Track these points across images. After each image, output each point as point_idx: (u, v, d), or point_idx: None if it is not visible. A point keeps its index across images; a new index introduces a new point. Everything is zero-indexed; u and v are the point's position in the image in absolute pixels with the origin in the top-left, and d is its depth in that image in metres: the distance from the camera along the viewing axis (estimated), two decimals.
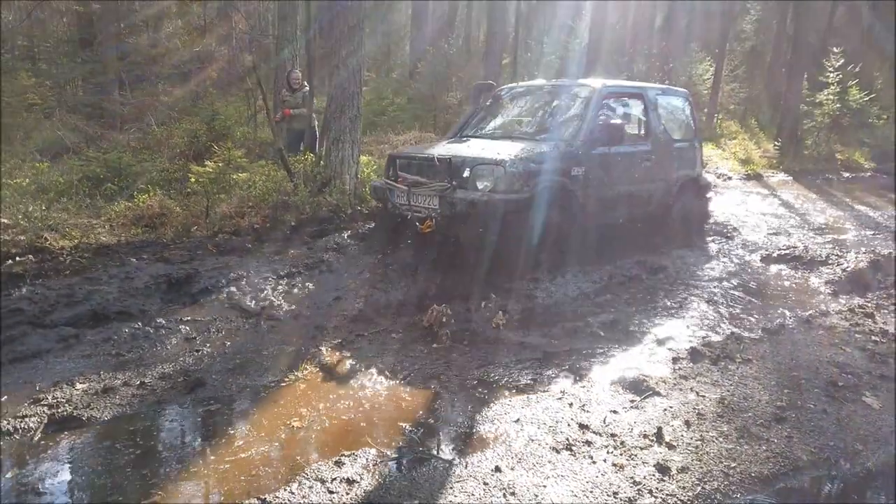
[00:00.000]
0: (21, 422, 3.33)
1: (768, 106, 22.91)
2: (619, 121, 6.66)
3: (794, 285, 6.61)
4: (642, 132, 7.29)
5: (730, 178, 14.25)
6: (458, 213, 5.72)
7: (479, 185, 5.74)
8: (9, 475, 2.93)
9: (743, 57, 25.84)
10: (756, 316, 5.57)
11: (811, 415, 3.85)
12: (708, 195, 8.41)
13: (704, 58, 22.47)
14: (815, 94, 18.05)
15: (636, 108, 7.27)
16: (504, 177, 5.68)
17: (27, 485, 2.88)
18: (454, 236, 6.07)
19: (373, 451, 3.27)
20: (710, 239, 8.17)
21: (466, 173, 5.83)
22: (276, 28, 14.71)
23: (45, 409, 3.48)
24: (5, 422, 3.28)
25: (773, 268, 7.16)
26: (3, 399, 3.52)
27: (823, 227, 9.66)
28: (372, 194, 7.03)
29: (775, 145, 17.61)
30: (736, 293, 6.17)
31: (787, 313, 5.62)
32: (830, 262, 7.23)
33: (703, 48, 23.65)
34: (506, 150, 5.96)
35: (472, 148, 6.35)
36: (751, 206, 11.06)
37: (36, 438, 3.24)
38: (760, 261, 7.38)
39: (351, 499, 2.88)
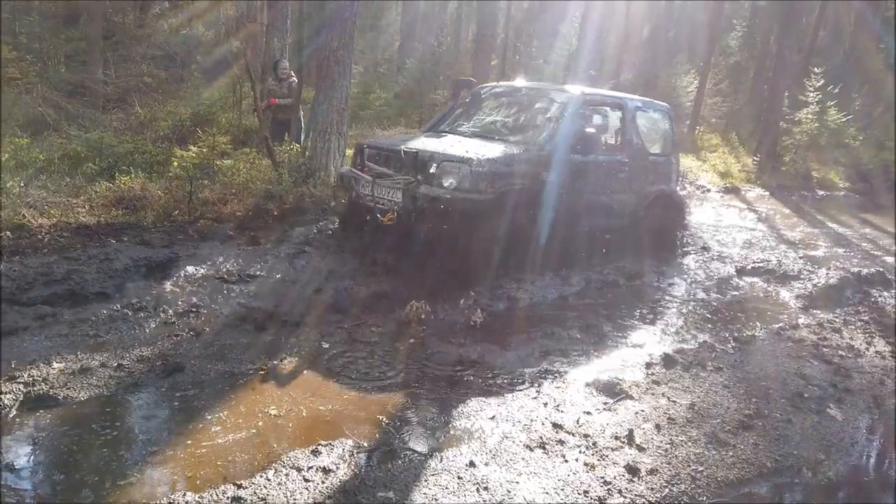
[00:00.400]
0: None
1: (749, 121, 23.26)
2: (594, 129, 6.56)
3: (766, 298, 6.77)
4: (619, 143, 7.22)
5: (708, 191, 14.47)
6: (419, 209, 5.60)
7: (445, 183, 5.59)
8: None
9: (727, 71, 26.20)
10: (728, 326, 5.70)
11: (777, 423, 3.96)
12: (682, 210, 8.35)
13: (689, 70, 22.75)
14: (795, 112, 18.39)
15: (614, 119, 7.18)
16: (469, 176, 5.53)
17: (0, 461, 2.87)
18: (416, 232, 5.88)
19: (349, 441, 3.31)
20: (685, 250, 8.29)
21: (433, 169, 5.70)
22: (266, 15, 14.63)
23: (21, 386, 3.45)
24: None
25: (747, 280, 7.31)
26: None
27: (796, 242, 9.87)
28: (337, 181, 6.92)
29: (754, 160, 17.90)
30: (707, 305, 6.31)
31: (758, 325, 5.76)
32: (802, 276, 7.41)
33: (688, 60, 23.95)
34: (475, 149, 5.84)
35: (442, 144, 6.21)
36: (727, 219, 11.26)
37: (11, 416, 3.22)
38: (735, 273, 7.53)
39: (326, 487, 2.91)
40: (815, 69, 18.24)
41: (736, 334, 5.42)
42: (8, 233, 5.59)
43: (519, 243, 5.95)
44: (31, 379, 3.54)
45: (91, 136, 8.59)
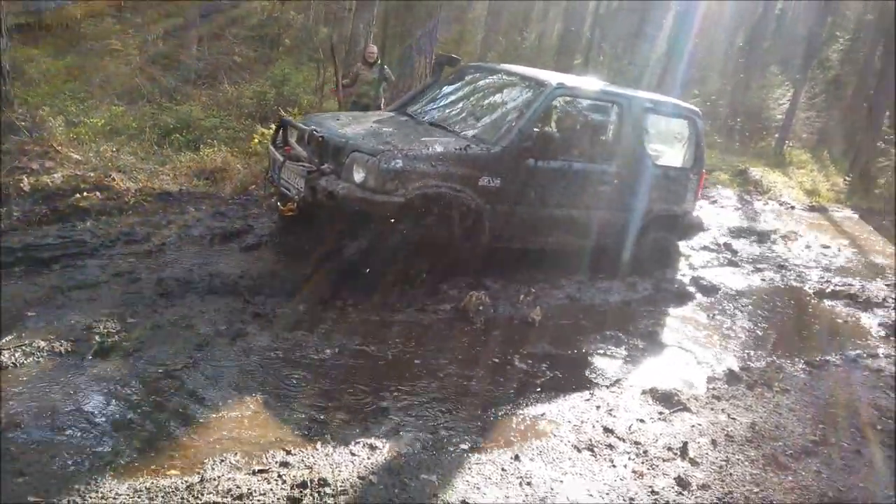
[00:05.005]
0: (76, 343, 3.50)
1: (843, 139, 22.10)
2: (566, 130, 5.65)
3: (845, 323, 6.42)
4: (608, 149, 5.92)
5: (793, 208, 13.82)
6: (318, 203, 4.79)
7: (356, 176, 4.69)
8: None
9: (824, 86, 24.96)
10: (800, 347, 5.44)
11: (844, 453, 3.76)
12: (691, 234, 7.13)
13: (783, 82, 21.80)
14: None
15: (606, 119, 5.98)
16: (376, 172, 4.61)
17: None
18: (319, 228, 5.18)
19: (395, 418, 3.34)
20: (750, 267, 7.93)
21: (346, 159, 4.81)
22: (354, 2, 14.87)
23: (97, 336, 3.64)
24: (58, 344, 3.45)
25: (827, 303, 6.96)
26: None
27: (884, 269, 9.31)
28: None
29: (845, 180, 17.00)
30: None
31: (833, 350, 5.48)
32: (887, 304, 6.99)
33: (783, 72, 22.95)
34: (395, 141, 4.91)
35: (368, 129, 5.30)
36: (810, 240, 10.73)
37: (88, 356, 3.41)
38: (813, 294, 7.18)
39: (372, 463, 2.95)
40: None
41: (806, 357, 5.17)
42: (97, 193, 5.91)
43: (433, 259, 5.02)
44: (106, 330, 3.72)
45: (181, 109, 9.00)
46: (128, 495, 2.46)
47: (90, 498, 2.43)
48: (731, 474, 3.35)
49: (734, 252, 8.39)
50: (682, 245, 7.34)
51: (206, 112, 9.48)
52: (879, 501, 3.39)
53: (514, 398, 3.81)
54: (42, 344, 3.41)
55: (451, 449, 3.18)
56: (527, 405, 3.75)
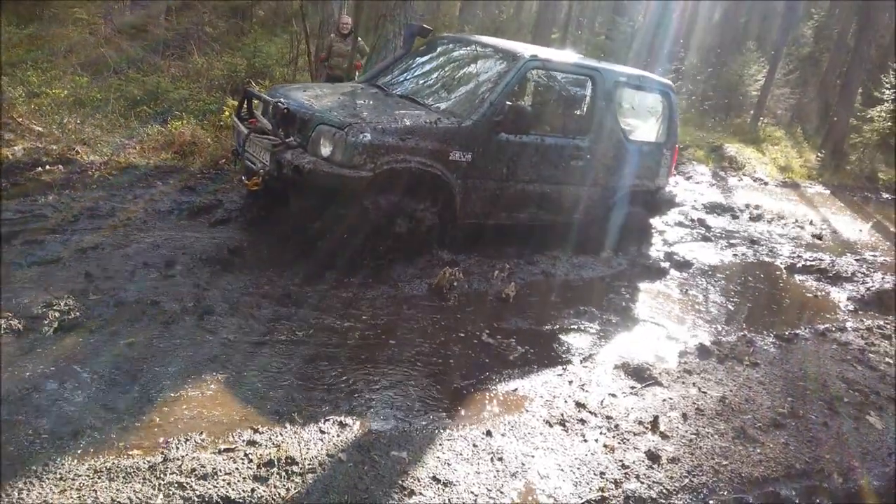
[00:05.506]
0: (34, 321, 3.40)
1: (817, 115, 22.32)
2: (539, 104, 5.48)
3: (815, 297, 6.51)
4: (582, 123, 5.83)
5: (766, 184, 13.96)
6: (283, 178, 4.65)
7: (323, 150, 4.55)
8: None
9: (798, 62, 25.10)
10: (770, 321, 5.50)
11: (811, 425, 3.81)
12: (664, 210, 7.07)
13: (759, 58, 21.87)
14: (868, 109, 17.53)
15: (580, 93, 5.89)
16: (343, 146, 4.47)
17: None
18: (286, 204, 5.03)
19: (368, 397, 3.30)
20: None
21: (313, 132, 4.65)
22: None
23: (57, 314, 3.53)
24: (15, 322, 3.34)
25: (798, 277, 7.04)
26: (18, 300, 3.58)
27: (853, 244, 9.45)
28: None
29: (818, 156, 17.20)
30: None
31: (802, 324, 5.54)
32: (856, 279, 7.09)
33: (758, 48, 23.01)
34: (364, 114, 4.77)
35: (336, 101, 5.12)
36: (783, 215, 10.85)
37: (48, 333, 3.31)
38: (784, 269, 7.26)
39: (341, 441, 2.91)
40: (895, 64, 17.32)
41: (776, 331, 5.22)
42: (60, 166, 5.73)
43: (404, 236, 4.90)
44: (66, 307, 3.60)
45: (148, 81, 8.75)
46: (87, 476, 2.40)
47: (48, 479, 2.36)
48: (700, 447, 3.38)
49: (708, 228, 8.45)
50: (656, 221, 7.36)
51: (175, 84, 9.24)
52: (845, 472, 3.44)
53: (487, 374, 3.78)
54: None
55: (423, 425, 3.16)
56: (499, 381, 3.73)
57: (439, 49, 6.32)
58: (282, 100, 4.91)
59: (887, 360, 4.97)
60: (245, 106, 5.41)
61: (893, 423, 4.04)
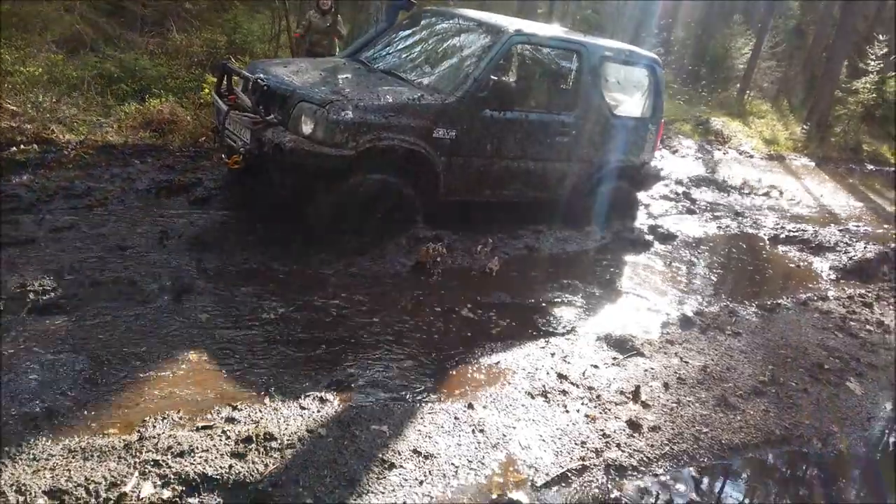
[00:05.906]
0: (9, 303, 3.34)
1: (803, 88, 22.31)
2: (523, 80, 5.43)
3: (798, 267, 6.54)
4: (567, 99, 5.74)
5: (751, 157, 13.97)
6: (264, 156, 4.54)
7: (304, 128, 4.46)
8: None
9: (785, 35, 25.01)
10: (753, 291, 5.52)
11: (791, 392, 3.84)
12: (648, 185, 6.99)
13: (745, 31, 21.76)
14: (853, 81, 17.54)
15: (566, 68, 5.76)
16: (325, 123, 4.37)
17: None
18: (267, 183, 4.87)
19: (349, 371, 3.28)
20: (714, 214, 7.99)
21: (294, 109, 4.55)
22: None
23: (32, 295, 3.48)
24: None
25: (781, 248, 7.07)
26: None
27: (837, 215, 9.50)
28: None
29: (803, 129, 17.21)
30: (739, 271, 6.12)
31: (785, 294, 5.58)
32: (838, 249, 7.13)
33: (745, 21, 22.88)
34: (346, 90, 4.65)
35: (317, 77, 5.01)
36: (767, 188, 10.87)
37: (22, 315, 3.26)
38: (768, 241, 7.28)
39: (321, 416, 2.90)
40: (880, 36, 17.29)
41: (759, 301, 5.25)
42: (35, 146, 5.62)
43: (388, 213, 4.83)
44: (41, 288, 3.55)
45: (126, 58, 8.56)
46: (61, 455, 2.37)
47: (21, 459, 2.33)
48: (681, 416, 3.40)
49: (692, 200, 8.45)
50: (641, 194, 7.34)
51: (153, 61, 9.05)
52: (824, 437, 3.47)
53: (470, 347, 3.78)
54: None
55: (404, 399, 3.15)
56: (482, 354, 3.73)
57: (423, 23, 6.15)
58: (261, 76, 4.79)
59: (868, 327, 5.02)
60: (224, 82, 5.28)
61: (872, 388, 4.08)
